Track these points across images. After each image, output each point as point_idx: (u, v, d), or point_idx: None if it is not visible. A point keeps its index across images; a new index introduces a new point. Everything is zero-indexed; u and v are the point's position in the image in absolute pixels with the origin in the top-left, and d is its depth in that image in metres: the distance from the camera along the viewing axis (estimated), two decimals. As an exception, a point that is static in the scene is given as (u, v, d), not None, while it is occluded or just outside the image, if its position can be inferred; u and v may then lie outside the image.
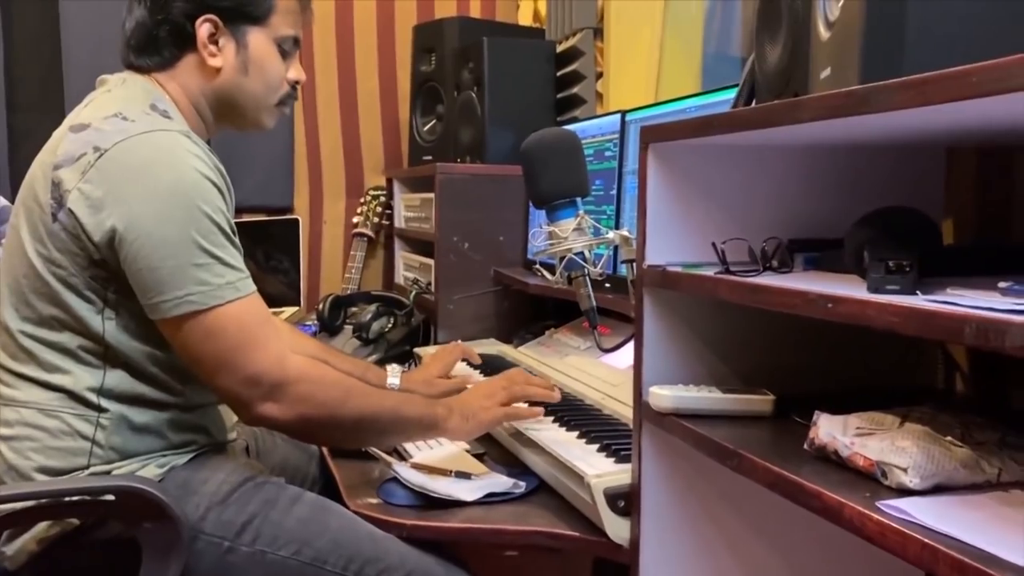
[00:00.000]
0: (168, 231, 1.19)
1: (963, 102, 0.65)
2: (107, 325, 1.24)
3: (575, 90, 2.38)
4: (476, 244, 2.25)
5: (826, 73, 0.88)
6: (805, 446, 0.92)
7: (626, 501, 1.18)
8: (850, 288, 0.83)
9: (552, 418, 1.50)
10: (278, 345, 1.25)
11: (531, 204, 1.27)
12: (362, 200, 2.89)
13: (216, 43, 1.37)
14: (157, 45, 1.36)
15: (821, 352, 1.15)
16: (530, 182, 1.26)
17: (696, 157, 1.13)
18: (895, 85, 0.71)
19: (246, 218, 2.84)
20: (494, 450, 1.56)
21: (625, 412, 1.49)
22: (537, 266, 1.28)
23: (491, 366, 1.91)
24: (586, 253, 1.23)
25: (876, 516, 0.74)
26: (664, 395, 1.08)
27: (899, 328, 0.71)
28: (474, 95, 2.34)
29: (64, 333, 1.24)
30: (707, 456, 1.00)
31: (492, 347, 2.17)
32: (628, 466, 1.23)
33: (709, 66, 2.25)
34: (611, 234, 1.22)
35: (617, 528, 1.19)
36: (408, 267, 2.63)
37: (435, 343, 2.25)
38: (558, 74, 2.43)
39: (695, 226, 1.14)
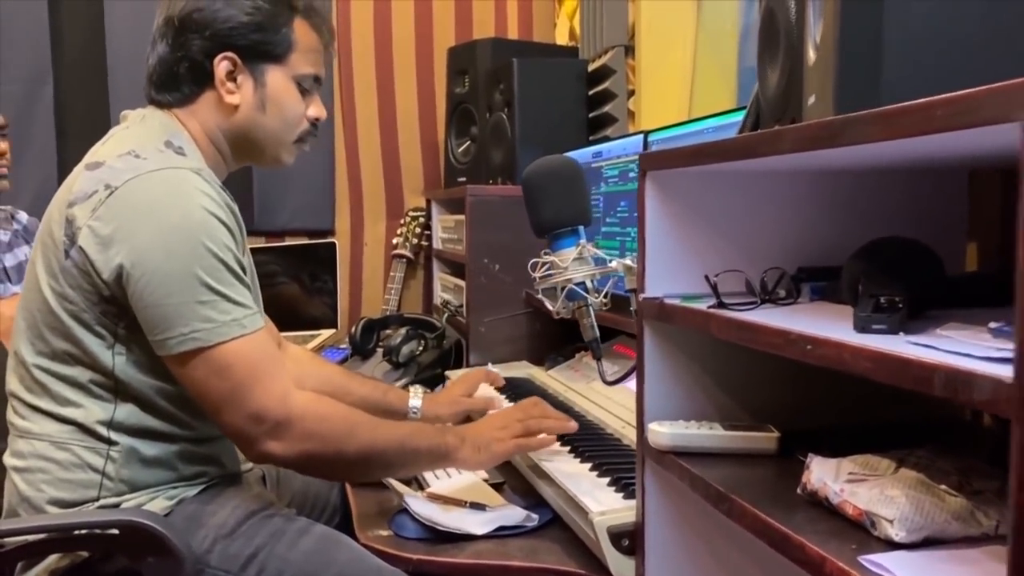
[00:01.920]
0: (173, 268, 1.19)
1: (932, 136, 0.61)
2: (117, 360, 1.25)
3: (607, 109, 2.35)
4: (507, 266, 2.23)
5: (812, 100, 0.84)
6: (798, 491, 0.87)
7: (630, 539, 1.15)
8: (839, 326, 0.79)
9: (568, 448, 1.47)
10: (282, 382, 1.24)
11: (534, 234, 1.24)
12: (402, 221, 2.90)
13: (234, 80, 1.38)
14: (177, 81, 1.38)
15: (830, 386, 1.10)
16: (531, 210, 1.24)
17: (696, 184, 1.09)
18: (867, 117, 0.67)
19: (287, 241, 2.88)
20: (513, 479, 1.54)
21: (642, 442, 1.46)
22: (539, 296, 1.25)
23: (514, 388, 1.89)
24: (588, 283, 1.20)
25: (856, 573, 0.69)
26: (662, 432, 1.04)
27: (873, 375, 0.67)
28: (505, 116, 2.33)
29: (76, 367, 1.26)
30: (702, 498, 0.96)
31: (523, 370, 2.14)
32: (635, 502, 1.19)
33: (745, 81, 2.19)
34: (614, 263, 1.19)
35: (622, 567, 1.15)
36: (444, 288, 2.63)
37: (467, 366, 2.24)
38: (590, 93, 2.40)
39: (697, 256, 1.11)
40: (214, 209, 1.24)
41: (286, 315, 2.57)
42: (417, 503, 1.40)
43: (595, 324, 1.25)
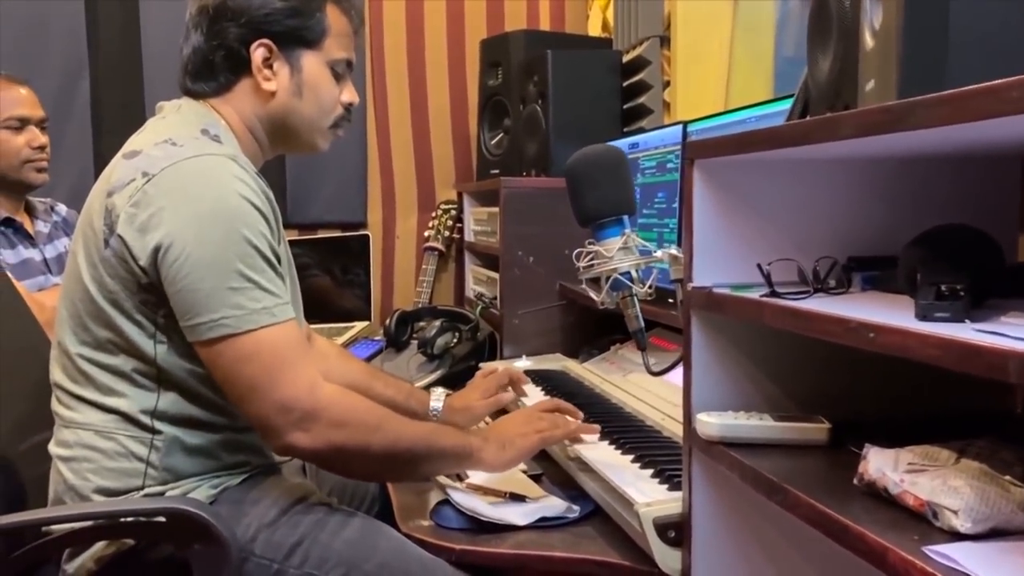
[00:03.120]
0: (206, 253, 1.20)
1: (999, 119, 0.59)
2: (158, 349, 1.26)
3: (642, 100, 2.34)
4: (541, 258, 2.23)
5: (870, 86, 0.82)
6: (855, 481, 0.86)
7: (677, 531, 1.14)
8: (899, 314, 0.78)
9: (608, 440, 1.47)
10: (310, 373, 1.24)
11: (577, 223, 1.23)
12: (434, 214, 2.90)
13: (271, 67, 1.38)
14: (213, 70, 1.39)
15: (882, 375, 1.09)
16: (575, 200, 1.23)
17: (745, 173, 1.08)
18: (933, 101, 0.66)
19: (320, 233, 2.89)
20: (552, 471, 1.53)
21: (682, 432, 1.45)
22: (583, 286, 1.24)
23: (548, 381, 1.88)
24: (633, 272, 1.19)
25: (920, 563, 0.68)
26: (711, 423, 1.03)
27: (941, 362, 0.65)
28: (539, 108, 2.32)
29: (119, 356, 1.27)
30: (754, 489, 0.95)
31: (557, 362, 2.14)
32: (680, 494, 1.18)
33: (782, 71, 2.17)
34: (659, 252, 1.18)
35: (668, 559, 1.14)
36: (477, 281, 2.63)
37: (501, 358, 2.23)
38: (624, 84, 2.39)
39: (745, 245, 1.09)
40: (250, 196, 1.24)
41: (319, 307, 2.58)
42: (459, 494, 1.40)
43: (640, 314, 1.24)
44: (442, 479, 1.47)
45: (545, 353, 2.22)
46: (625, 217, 1.21)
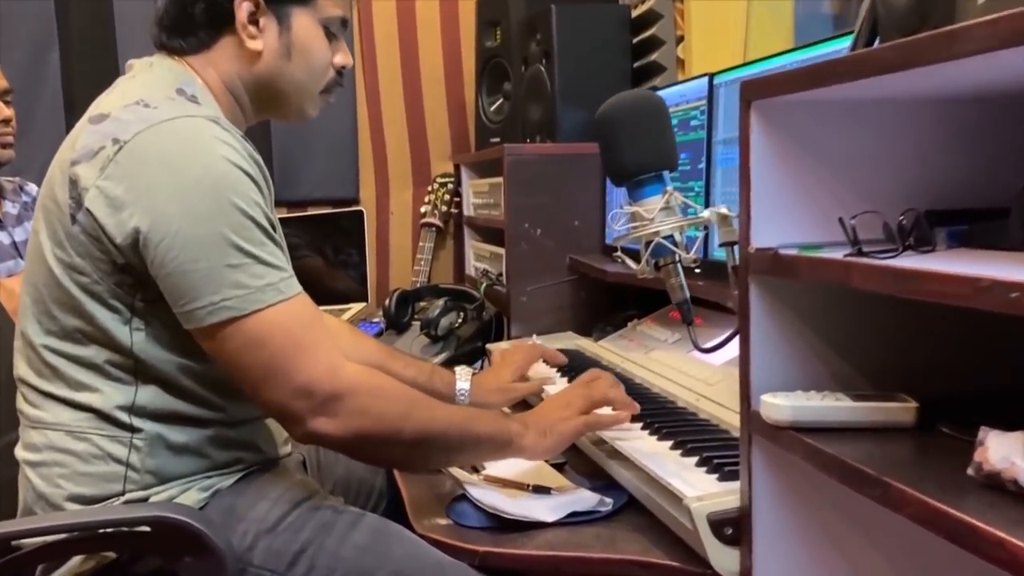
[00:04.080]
0: (197, 229, 1.05)
1: None
2: (135, 336, 1.11)
3: (653, 57, 2.18)
4: (549, 230, 2.08)
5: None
6: (969, 471, 0.72)
7: (734, 528, 1.00)
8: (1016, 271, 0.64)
9: (641, 424, 1.33)
10: (330, 352, 1.10)
11: (610, 181, 1.08)
12: (429, 188, 2.75)
13: (256, 24, 1.23)
14: (192, 25, 1.23)
15: (972, 345, 0.95)
16: (608, 155, 1.08)
17: (810, 115, 0.93)
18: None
19: (310, 211, 2.73)
20: (575, 460, 1.39)
21: (726, 417, 1.31)
22: (618, 253, 1.10)
23: (571, 365, 1.74)
24: (676, 236, 1.04)
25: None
26: (781, 405, 0.89)
27: None
28: (543, 69, 2.16)
29: (90, 347, 1.12)
30: (840, 483, 0.81)
31: (570, 341, 2.00)
32: (734, 485, 1.05)
33: (801, 25, 2.03)
34: (705, 212, 1.04)
35: (724, 559, 1.01)
36: (479, 257, 2.48)
37: (508, 338, 2.09)
38: (634, 41, 2.23)
39: (810, 199, 0.95)
40: (238, 160, 1.09)
41: (312, 289, 2.39)
42: (478, 489, 1.26)
43: (685, 283, 1.09)
44: (456, 471, 1.32)
45: (556, 332, 2.08)
46: (666, 173, 1.06)
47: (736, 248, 1.03)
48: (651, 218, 1.01)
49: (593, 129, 1.09)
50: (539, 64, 2.18)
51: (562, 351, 1.83)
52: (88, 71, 2.55)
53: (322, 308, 2.33)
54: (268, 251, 1.09)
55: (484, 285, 2.15)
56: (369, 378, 1.12)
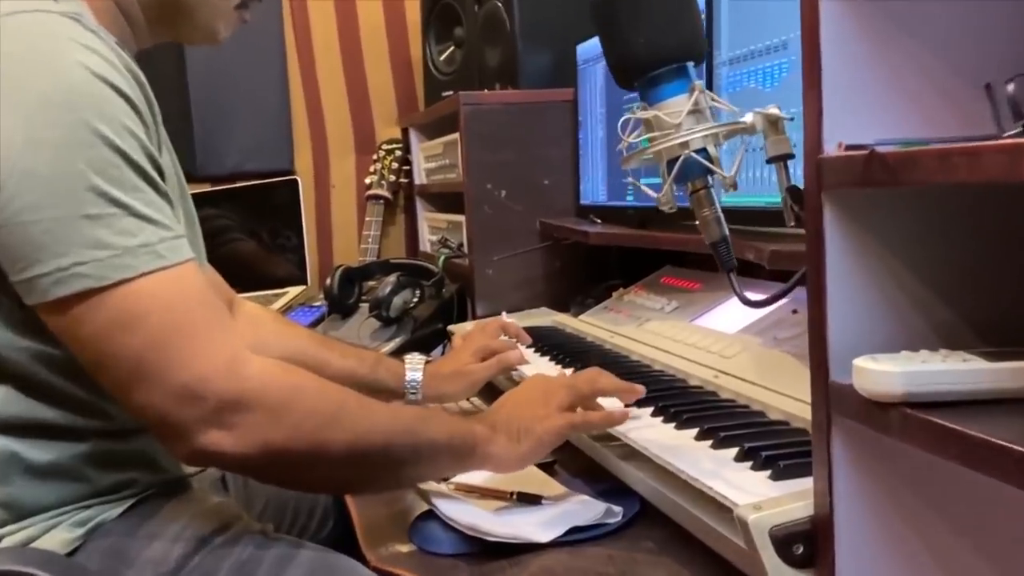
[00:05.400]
0: (39, 165, 0.75)
1: None
2: (-33, 318, 0.80)
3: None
4: (515, 191, 1.81)
5: None
6: None
7: (806, 545, 0.73)
8: None
9: (652, 410, 1.05)
10: (228, 340, 0.80)
11: (615, 82, 0.79)
12: (374, 157, 2.45)
13: None
14: None
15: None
16: (611, 43, 0.78)
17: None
18: None
19: (238, 184, 2.41)
20: (567, 457, 1.12)
21: (754, 395, 1.04)
22: (628, 179, 0.81)
23: (541, 340, 1.46)
24: (711, 149, 0.76)
25: None
26: (889, 373, 0.61)
27: None
28: (500, 5, 1.88)
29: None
30: (1000, 480, 0.54)
31: (545, 318, 1.72)
32: (796, 486, 0.78)
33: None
34: (748, 116, 0.76)
35: (792, 587, 0.74)
36: (434, 230, 2.19)
37: (474, 318, 1.80)
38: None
39: (898, 83, 0.68)
40: (105, 72, 0.79)
41: (242, 273, 2.11)
42: (448, 503, 0.98)
43: (722, 216, 0.81)
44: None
45: (528, 308, 1.80)
46: (690, 65, 0.77)
47: (789, 165, 0.75)
48: (677, 123, 0.73)
49: (590, 13, 0.80)
50: (496, 1, 1.89)
51: (537, 330, 1.55)
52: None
53: (252, 294, 2.00)
54: (145, 200, 0.79)
55: (442, 257, 1.86)
56: (282, 376, 0.83)
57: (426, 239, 2.28)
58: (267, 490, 1.16)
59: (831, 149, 0.67)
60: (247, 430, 0.78)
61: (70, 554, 0.84)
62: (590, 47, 1.73)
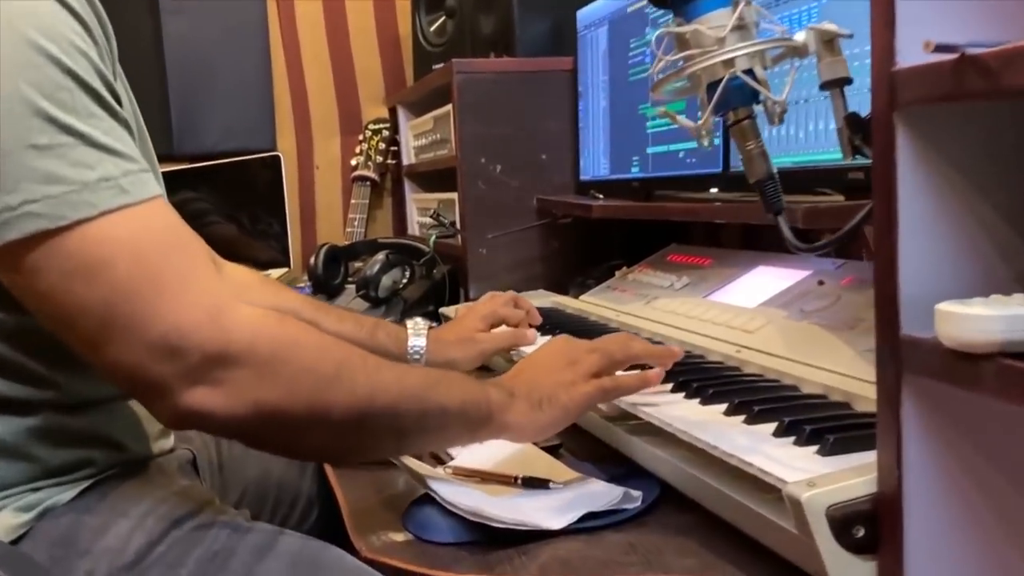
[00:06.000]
0: None
1: None
2: None
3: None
4: (511, 166, 1.71)
5: None
6: None
7: (868, 527, 0.63)
8: None
9: (672, 386, 0.95)
10: (210, 287, 0.70)
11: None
12: (361, 137, 2.35)
13: None
14: None
15: None
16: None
17: None
18: None
19: (218, 161, 2.30)
20: (572, 439, 1.01)
21: (785, 369, 0.94)
22: (661, 108, 0.71)
23: (554, 322, 1.36)
24: (758, 71, 0.66)
25: None
26: (986, 317, 0.51)
27: None
28: (496, -31, 1.78)
29: None
30: None
31: (544, 299, 1.61)
32: (849, 461, 0.68)
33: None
34: (800, 33, 0.66)
35: (854, 574, 0.64)
36: (423, 212, 2.08)
37: (467, 300, 1.70)
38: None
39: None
40: None
41: (223, 257, 1.99)
42: (446, 486, 0.87)
43: (766, 150, 0.70)
44: (411, 462, 0.92)
45: (524, 290, 1.69)
46: (731, -25, 0.67)
47: (845, 90, 0.65)
48: (721, 37, 0.63)
49: None
50: (491, -36, 1.79)
51: (540, 309, 1.45)
52: None
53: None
54: (103, 128, 0.68)
55: (433, 236, 1.75)
56: (274, 325, 0.72)
57: (415, 222, 2.17)
58: (245, 476, 1.06)
59: (906, 60, 0.57)
60: (236, 387, 0.67)
61: (15, 541, 0.73)
62: (591, 12, 1.64)
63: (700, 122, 0.66)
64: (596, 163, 1.65)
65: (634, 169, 1.51)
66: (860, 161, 0.97)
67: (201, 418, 0.69)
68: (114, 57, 0.76)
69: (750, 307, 1.15)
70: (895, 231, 0.59)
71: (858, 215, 0.63)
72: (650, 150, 1.46)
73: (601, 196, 1.61)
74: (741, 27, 0.65)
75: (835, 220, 0.87)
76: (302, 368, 0.71)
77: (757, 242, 1.48)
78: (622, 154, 1.55)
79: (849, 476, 0.65)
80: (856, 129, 0.63)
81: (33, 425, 0.76)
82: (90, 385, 0.79)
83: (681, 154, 1.36)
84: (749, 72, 0.64)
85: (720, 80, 0.64)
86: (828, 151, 1.02)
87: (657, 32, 0.66)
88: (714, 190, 1.27)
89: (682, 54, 0.65)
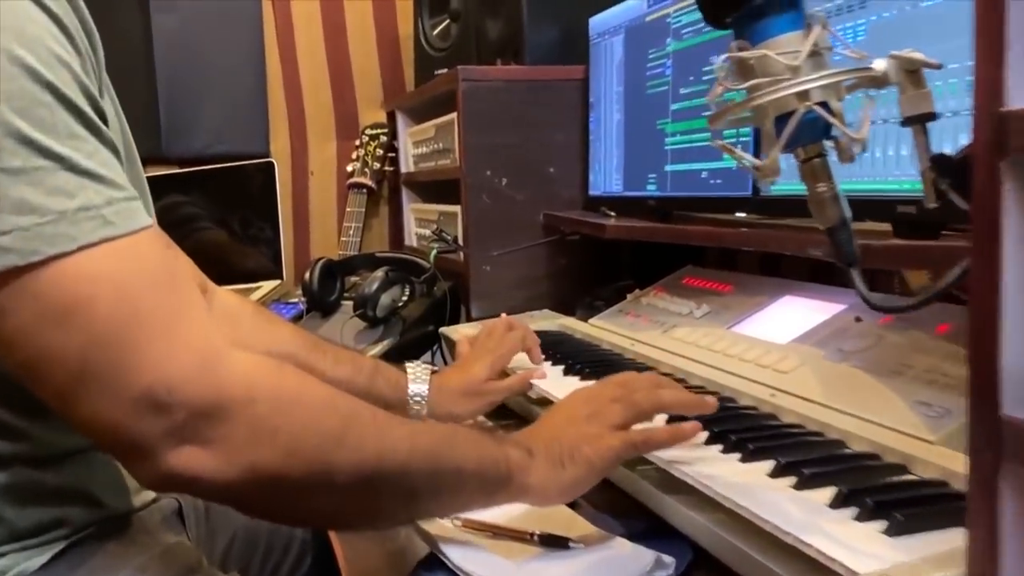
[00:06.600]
0: None
1: None
2: None
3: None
4: (517, 179, 1.63)
5: None
6: None
7: (953, 629, 0.55)
8: None
9: (706, 435, 0.87)
10: (200, 332, 0.61)
11: (703, 18, 0.61)
12: (357, 143, 2.26)
13: None
14: None
15: None
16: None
17: None
18: None
19: (208, 166, 2.21)
20: (594, 489, 0.93)
21: (827, 419, 0.87)
22: (718, 141, 0.63)
23: (556, 348, 1.28)
24: (833, 103, 0.58)
25: None
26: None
27: None
28: (504, -28, 1.69)
29: None
30: None
31: (550, 321, 1.53)
32: (922, 543, 0.61)
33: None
34: (880, 62, 0.58)
35: None
36: (422, 222, 2.00)
37: (468, 320, 1.62)
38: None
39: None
40: None
41: (212, 265, 1.90)
42: (456, 548, 0.79)
43: (840, 193, 0.62)
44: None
45: (529, 310, 1.62)
46: (803, -1, 0.59)
47: (929, 125, 0.58)
48: (795, 65, 0.55)
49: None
50: (499, -33, 1.71)
51: (540, 335, 1.36)
52: None
53: (225, 289, 1.79)
54: (86, 150, 0.60)
55: (434, 252, 1.67)
56: (272, 374, 0.64)
57: (412, 232, 2.09)
58: (233, 521, 0.97)
59: (1016, 101, 0.49)
60: (229, 447, 0.59)
61: (-27, 620, 0.64)
62: (605, 19, 1.56)
63: (767, 160, 0.58)
64: (607, 178, 1.57)
65: (650, 187, 1.43)
66: (910, 194, 0.90)
67: (188, 481, 0.60)
68: (100, 68, 0.67)
69: (781, 343, 1.07)
70: (997, 296, 0.51)
71: (952, 274, 0.56)
72: (669, 168, 1.38)
73: (613, 214, 1.54)
74: (815, 53, 0.57)
75: (891, 262, 0.80)
76: (304, 425, 0.63)
77: (777, 267, 1.40)
78: (637, 171, 1.47)
79: (931, 568, 0.57)
80: (945, 173, 0.55)
81: (1, 482, 0.68)
82: (66, 435, 0.70)
83: (704, 174, 1.28)
84: (824, 104, 0.56)
85: (790, 113, 0.56)
86: (874, 180, 0.94)
87: (721, 57, 0.58)
88: (741, 214, 1.19)
89: (748, 83, 0.57)
